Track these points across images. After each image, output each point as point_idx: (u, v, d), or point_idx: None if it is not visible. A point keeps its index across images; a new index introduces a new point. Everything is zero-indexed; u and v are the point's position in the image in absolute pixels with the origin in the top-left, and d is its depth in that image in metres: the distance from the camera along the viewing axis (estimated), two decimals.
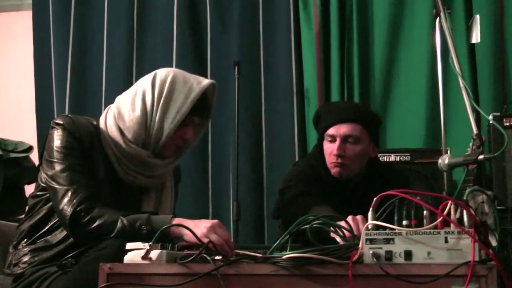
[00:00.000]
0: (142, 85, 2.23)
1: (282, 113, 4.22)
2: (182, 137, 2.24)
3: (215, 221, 1.95)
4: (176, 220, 1.98)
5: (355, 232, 1.90)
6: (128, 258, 1.73)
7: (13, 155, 4.08)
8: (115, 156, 2.19)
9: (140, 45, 4.56)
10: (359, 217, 2.23)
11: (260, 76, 4.31)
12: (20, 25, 5.02)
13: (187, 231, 1.91)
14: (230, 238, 1.95)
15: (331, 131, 2.62)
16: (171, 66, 4.36)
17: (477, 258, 1.49)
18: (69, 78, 4.61)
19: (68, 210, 2.05)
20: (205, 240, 1.82)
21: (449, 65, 2.22)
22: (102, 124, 2.24)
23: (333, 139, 2.62)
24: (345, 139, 2.61)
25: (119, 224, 2.00)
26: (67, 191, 2.08)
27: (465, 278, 1.46)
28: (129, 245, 1.75)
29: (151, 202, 2.30)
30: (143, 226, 1.98)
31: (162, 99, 2.18)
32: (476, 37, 2.37)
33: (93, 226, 2.03)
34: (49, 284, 2.02)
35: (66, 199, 2.07)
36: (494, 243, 1.59)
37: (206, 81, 2.24)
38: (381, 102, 4.08)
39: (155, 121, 2.18)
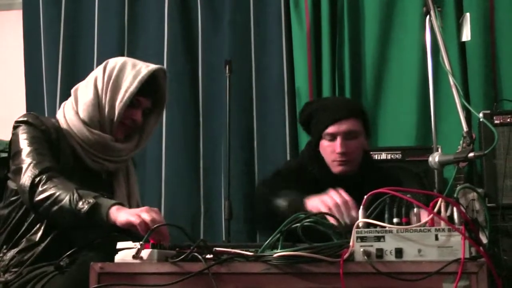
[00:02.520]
0: (95, 73, 2.34)
1: (274, 112, 4.22)
2: (130, 117, 2.33)
3: (151, 208, 1.98)
4: (113, 207, 1.99)
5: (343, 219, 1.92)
6: (119, 257, 1.73)
7: (3, 155, 4.06)
8: (80, 146, 2.26)
9: (131, 44, 4.56)
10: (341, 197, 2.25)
11: (252, 75, 4.31)
12: (11, 24, 5.00)
13: (122, 214, 1.95)
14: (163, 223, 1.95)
15: (331, 129, 2.61)
16: (162, 64, 4.33)
17: (467, 255, 1.50)
18: (60, 78, 4.60)
19: (28, 181, 2.09)
20: (137, 218, 1.88)
21: (439, 63, 2.23)
22: (61, 119, 2.32)
23: (333, 137, 2.62)
24: (346, 136, 2.61)
25: (69, 196, 2.01)
26: (29, 165, 2.12)
27: (455, 275, 1.46)
28: (120, 244, 1.75)
29: (122, 187, 2.38)
30: (86, 201, 1.99)
31: (112, 80, 2.30)
32: (466, 35, 2.37)
33: (47, 194, 2.05)
34: (45, 283, 2.02)
35: (27, 173, 2.11)
36: (484, 240, 1.59)
37: (155, 66, 2.36)
38: (373, 101, 4.09)
39: (106, 102, 2.29)
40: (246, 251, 1.67)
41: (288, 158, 4.09)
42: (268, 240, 1.69)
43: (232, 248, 1.70)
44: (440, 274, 1.49)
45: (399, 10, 4.12)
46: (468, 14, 2.39)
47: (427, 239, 1.54)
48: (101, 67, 2.35)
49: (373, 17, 4.14)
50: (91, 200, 1.99)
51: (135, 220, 1.89)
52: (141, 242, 1.71)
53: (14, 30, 4.89)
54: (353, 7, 4.18)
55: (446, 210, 1.58)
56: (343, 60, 4.15)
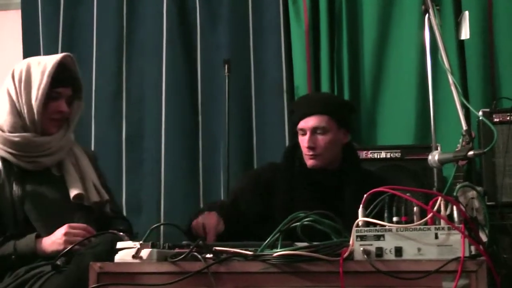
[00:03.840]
0: (4, 85, 2.40)
1: (273, 111, 4.21)
2: (56, 111, 2.39)
3: (65, 227, 2.19)
4: (38, 241, 2.19)
5: None
6: (118, 257, 1.72)
7: None
8: (10, 154, 2.32)
9: (129, 44, 4.54)
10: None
11: (250, 74, 4.30)
12: (9, 25, 4.99)
13: (50, 250, 2.16)
14: (86, 227, 2.21)
15: (301, 124, 2.71)
16: (161, 64, 4.37)
17: (467, 254, 1.50)
18: None
19: None
20: (66, 246, 2.08)
21: (438, 62, 2.23)
22: None
23: (304, 132, 2.70)
24: (314, 131, 2.68)
25: None
26: None
27: (455, 274, 1.47)
28: (119, 244, 1.74)
29: (72, 173, 2.42)
30: (12, 256, 2.15)
31: (22, 83, 2.35)
32: (465, 34, 2.37)
33: None
34: (43, 283, 2.03)
35: None
36: (484, 238, 1.59)
37: (59, 55, 2.42)
38: (371, 99, 4.08)
39: (23, 104, 2.34)
40: (245, 250, 1.67)
41: None
42: (267, 240, 1.69)
43: (231, 248, 1.70)
44: (439, 272, 1.49)
45: (398, 9, 4.11)
46: (466, 12, 2.39)
47: (427, 237, 1.54)
48: (8, 77, 2.41)
49: (372, 16, 4.14)
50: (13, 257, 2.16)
51: (63, 247, 2.10)
52: (140, 242, 1.71)
53: (12, 30, 4.88)
54: (351, 6, 4.17)
55: (445, 208, 1.58)
56: (342, 59, 4.14)
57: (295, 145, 2.80)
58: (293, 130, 2.83)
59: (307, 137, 2.68)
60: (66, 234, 2.17)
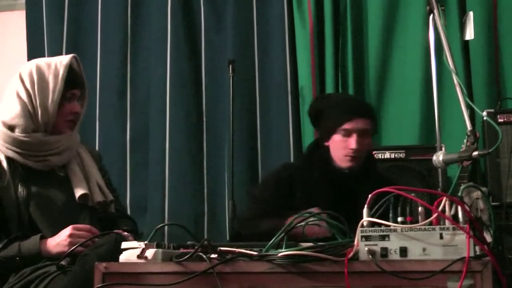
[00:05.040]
0: (12, 89, 2.41)
1: (277, 112, 4.21)
2: (71, 112, 2.43)
3: (69, 228, 2.20)
4: (43, 242, 2.20)
5: None
6: (123, 257, 1.73)
7: None
8: (18, 154, 2.34)
9: (134, 44, 4.55)
10: None
11: (255, 75, 4.30)
12: (14, 25, 5.00)
13: (54, 251, 2.18)
14: (91, 228, 2.24)
15: (348, 125, 2.70)
16: (165, 65, 4.37)
17: (472, 254, 1.50)
18: None
19: None
20: (71, 248, 2.10)
21: (443, 62, 2.22)
22: None
23: (348, 133, 2.70)
24: (361, 133, 2.70)
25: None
26: None
27: (460, 274, 1.46)
28: (124, 244, 1.75)
29: (78, 173, 2.45)
30: (16, 257, 2.16)
31: (36, 85, 2.37)
32: (469, 34, 2.37)
33: None
34: (48, 283, 2.03)
35: None
36: (489, 239, 1.59)
37: (67, 57, 2.45)
38: (376, 100, 4.08)
39: (38, 107, 2.36)
40: (250, 250, 1.68)
41: (292, 157, 4.08)
42: (272, 240, 1.69)
43: (236, 248, 1.70)
44: (444, 273, 1.49)
45: (402, 9, 4.11)
46: (471, 13, 2.39)
47: (432, 238, 1.54)
48: (16, 80, 2.42)
49: (376, 16, 4.13)
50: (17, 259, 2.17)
51: (67, 249, 2.12)
52: (145, 242, 1.71)
53: (17, 31, 4.89)
54: (356, 7, 4.17)
55: (450, 209, 1.58)
56: (346, 59, 4.14)
57: (318, 144, 2.81)
58: (325, 130, 2.79)
59: (353, 138, 2.69)
60: (70, 235, 2.18)
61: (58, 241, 2.18)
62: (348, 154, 2.70)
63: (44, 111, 2.36)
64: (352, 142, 2.68)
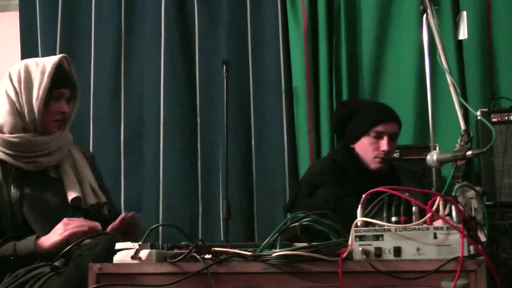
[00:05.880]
0: (2, 87, 2.41)
1: (271, 111, 4.22)
2: (58, 111, 2.41)
3: (63, 220, 2.19)
4: (38, 241, 2.18)
5: None
6: (117, 258, 1.72)
7: None
8: (9, 155, 2.33)
9: (128, 44, 4.55)
10: None
11: (249, 75, 4.30)
12: (7, 26, 4.99)
13: (49, 242, 2.15)
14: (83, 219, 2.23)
15: (381, 128, 2.80)
16: (159, 65, 4.38)
17: (466, 254, 1.50)
18: None
19: None
20: (67, 234, 2.11)
21: (436, 62, 2.23)
22: None
23: (379, 135, 2.80)
24: (392, 136, 2.81)
25: None
26: None
27: (454, 274, 1.46)
28: (118, 245, 1.74)
29: (70, 174, 2.43)
30: (11, 257, 2.16)
31: (22, 84, 2.36)
32: (463, 34, 2.37)
33: None
34: (42, 284, 2.03)
35: None
36: (483, 238, 1.59)
37: (56, 57, 2.44)
38: (370, 99, 4.08)
39: (24, 105, 2.35)
40: (244, 250, 1.67)
41: (286, 157, 4.09)
42: (266, 240, 1.69)
43: (230, 248, 1.70)
44: (439, 272, 1.49)
45: (396, 9, 4.12)
46: (464, 12, 2.39)
47: (426, 237, 1.54)
48: (5, 79, 2.41)
49: (370, 16, 4.14)
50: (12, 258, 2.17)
51: (65, 236, 2.13)
52: (139, 243, 1.71)
53: (11, 32, 4.88)
54: (349, 6, 4.18)
55: (444, 208, 1.58)
56: (340, 59, 4.14)
57: (350, 148, 2.87)
58: (354, 133, 2.87)
59: (385, 141, 2.78)
60: (64, 224, 2.17)
61: (52, 233, 2.17)
62: (379, 155, 2.79)
63: (30, 108, 2.34)
64: (384, 144, 2.78)
